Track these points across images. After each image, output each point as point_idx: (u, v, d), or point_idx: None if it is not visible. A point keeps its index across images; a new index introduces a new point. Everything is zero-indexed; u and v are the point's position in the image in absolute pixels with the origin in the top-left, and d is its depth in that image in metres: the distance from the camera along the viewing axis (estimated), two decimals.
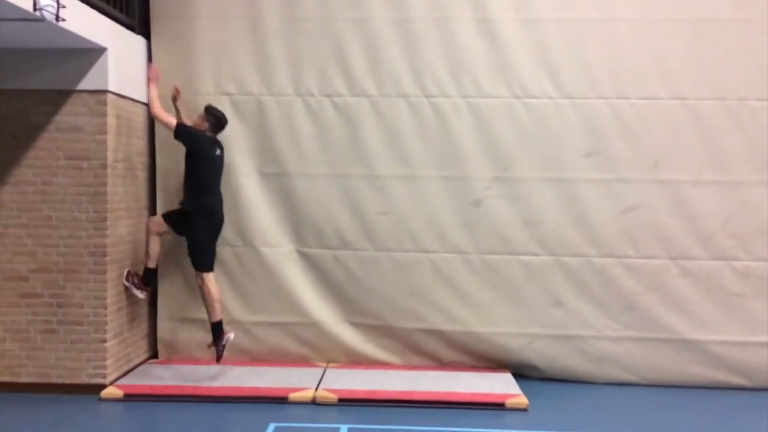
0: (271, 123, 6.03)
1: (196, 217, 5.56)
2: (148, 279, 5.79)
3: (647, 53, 5.80)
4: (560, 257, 5.93)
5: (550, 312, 5.95)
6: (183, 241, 5.75)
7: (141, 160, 5.98)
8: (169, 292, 6.13)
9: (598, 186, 5.87)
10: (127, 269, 5.66)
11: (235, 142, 6.03)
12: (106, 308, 5.34)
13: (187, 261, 5.70)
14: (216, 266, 5.92)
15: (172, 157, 5.96)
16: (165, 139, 5.96)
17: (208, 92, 6.01)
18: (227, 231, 6.01)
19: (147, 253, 5.75)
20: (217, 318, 5.58)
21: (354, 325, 6.13)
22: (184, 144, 5.57)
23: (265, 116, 6.03)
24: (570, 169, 5.87)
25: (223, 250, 6.04)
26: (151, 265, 5.76)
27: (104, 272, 5.34)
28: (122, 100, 5.58)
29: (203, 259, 5.65)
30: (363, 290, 6.07)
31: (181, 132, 5.53)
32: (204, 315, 5.65)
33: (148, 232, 5.78)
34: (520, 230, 5.94)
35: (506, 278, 5.98)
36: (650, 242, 5.87)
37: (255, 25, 5.99)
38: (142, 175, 6.00)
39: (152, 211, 6.12)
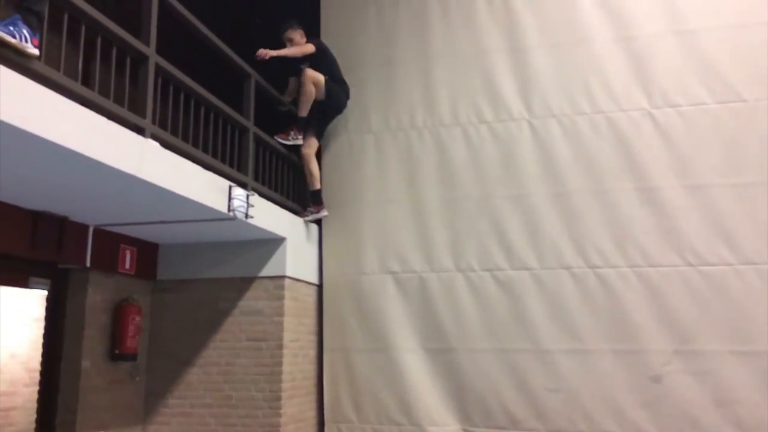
0: (434, 299, 6.13)
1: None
2: (319, 199, 6.30)
3: None
4: None
5: None
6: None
7: (311, 339, 6.26)
8: None
9: None
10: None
11: (398, 318, 6.17)
12: None
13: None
14: None
15: (337, 337, 6.23)
16: (331, 316, 6.28)
17: (373, 271, 6.30)
18: (392, 409, 5.99)
19: (311, 174, 6.28)
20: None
21: None
22: (323, 60, 6.29)
23: (427, 292, 6.16)
24: (762, 341, 5.31)
25: (388, 429, 5.98)
26: (317, 186, 6.28)
27: None
28: (297, 283, 5.99)
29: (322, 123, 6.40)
30: None
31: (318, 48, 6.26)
32: None
33: (303, 157, 6.30)
34: (710, 410, 5.35)
35: None
36: None
37: (416, 207, 6.31)
38: (312, 353, 6.24)
39: (320, 389, 6.26)
